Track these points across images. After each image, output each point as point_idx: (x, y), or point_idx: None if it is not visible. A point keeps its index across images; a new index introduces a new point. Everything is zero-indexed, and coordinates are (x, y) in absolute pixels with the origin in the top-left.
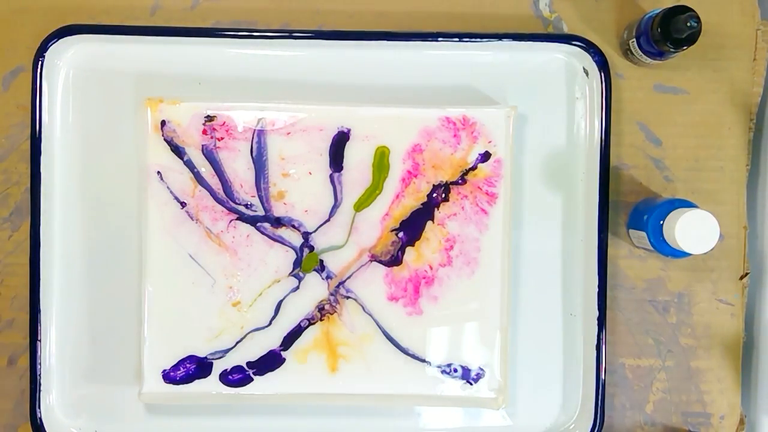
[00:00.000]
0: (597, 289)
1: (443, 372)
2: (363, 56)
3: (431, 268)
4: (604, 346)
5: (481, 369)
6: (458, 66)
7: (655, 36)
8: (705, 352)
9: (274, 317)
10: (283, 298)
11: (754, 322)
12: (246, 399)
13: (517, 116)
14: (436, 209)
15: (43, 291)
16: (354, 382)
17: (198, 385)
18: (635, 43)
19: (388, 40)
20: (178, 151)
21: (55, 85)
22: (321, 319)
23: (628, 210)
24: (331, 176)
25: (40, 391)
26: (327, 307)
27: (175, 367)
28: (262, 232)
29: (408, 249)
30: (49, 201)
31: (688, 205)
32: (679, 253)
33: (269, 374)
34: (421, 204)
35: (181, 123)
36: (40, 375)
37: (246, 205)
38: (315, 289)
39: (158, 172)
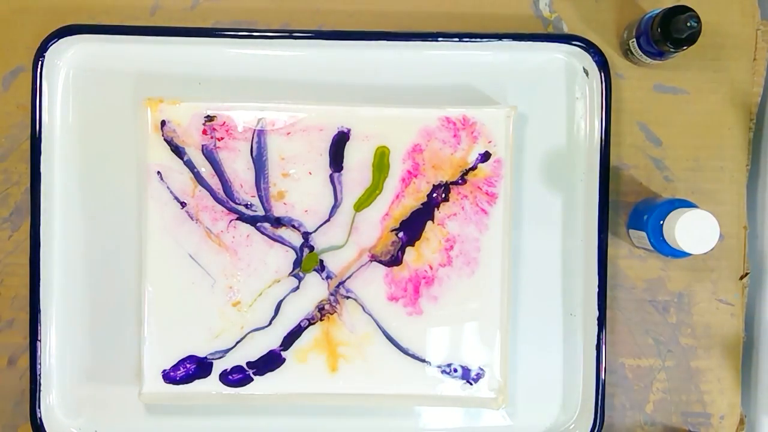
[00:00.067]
0: (597, 289)
1: (443, 372)
2: (363, 56)
3: (431, 268)
4: (604, 346)
5: (481, 369)
6: (458, 66)
7: (655, 36)
8: (705, 352)
9: (274, 317)
10: (283, 298)
11: (754, 322)
12: (246, 399)
13: (517, 116)
14: (436, 209)
15: (43, 291)
16: (354, 382)
17: (198, 385)
18: (635, 43)
19: (388, 40)
20: (178, 151)
21: (55, 85)
22: (321, 319)
23: (628, 210)
24: (331, 176)
25: (40, 391)
26: (327, 307)
27: (175, 367)
28: (262, 232)
29: (408, 249)
30: (49, 201)
31: (688, 205)
32: (679, 253)
33: (269, 374)
34: (421, 204)
35: (181, 123)
36: (40, 375)
37: (246, 205)
38: (315, 289)
39: (158, 172)
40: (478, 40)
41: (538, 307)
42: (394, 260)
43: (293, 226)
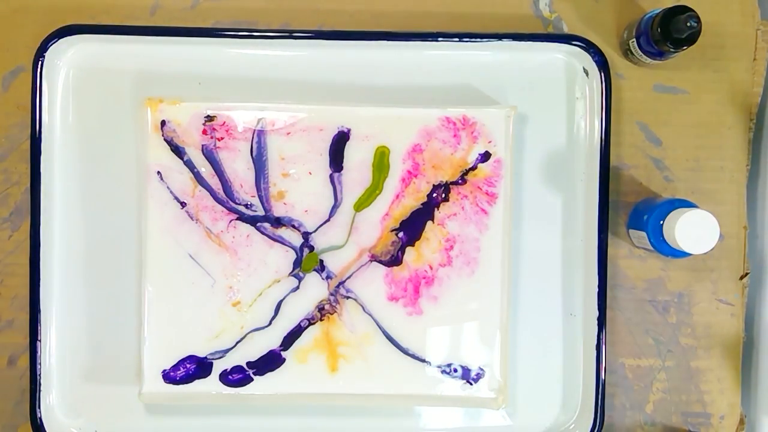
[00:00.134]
0: (597, 289)
1: (443, 372)
2: (363, 56)
3: (431, 268)
4: (604, 346)
5: (481, 369)
6: (458, 66)
7: (655, 36)
8: (705, 352)
9: (274, 317)
10: (283, 298)
11: (754, 322)
12: (246, 399)
13: (517, 116)
14: (436, 209)
15: (43, 291)
16: (354, 382)
17: (198, 385)
18: (635, 43)
19: (388, 40)
20: (178, 151)
21: (55, 85)
22: (321, 319)
23: (628, 210)
24: (331, 176)
25: (40, 391)
26: (327, 307)
27: (175, 367)
28: (262, 232)
29: (408, 249)
30: (49, 201)
31: (688, 205)
32: (679, 253)
33: (269, 374)
34: (421, 204)
35: (181, 123)
36: (40, 375)
37: (246, 205)
38: (315, 289)
39: (158, 172)
40: (478, 40)
41: (538, 307)
42: (394, 260)
43: (293, 226)
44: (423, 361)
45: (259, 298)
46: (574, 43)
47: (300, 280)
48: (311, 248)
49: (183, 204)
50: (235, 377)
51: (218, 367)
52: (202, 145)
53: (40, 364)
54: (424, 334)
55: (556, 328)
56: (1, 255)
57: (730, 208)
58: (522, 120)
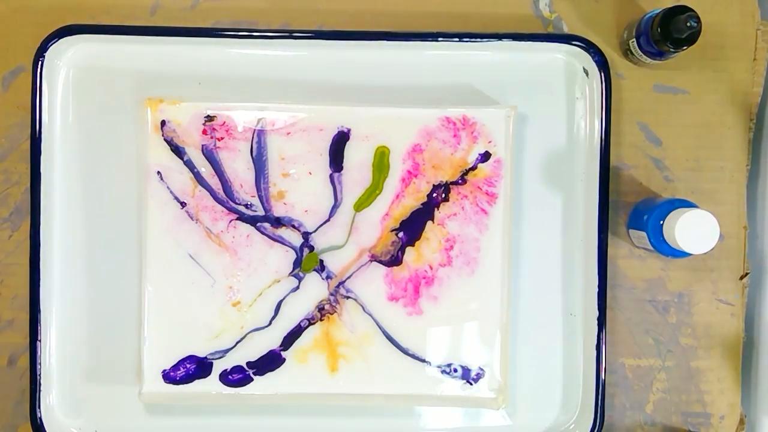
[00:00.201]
0: (597, 289)
1: (443, 372)
2: (363, 56)
3: (431, 268)
4: (604, 346)
5: (481, 369)
6: (458, 66)
7: (655, 36)
8: (705, 352)
9: (274, 317)
10: (283, 298)
11: (754, 322)
12: (246, 399)
13: (517, 116)
14: (436, 209)
15: (43, 291)
16: (354, 382)
17: (198, 385)
18: (635, 43)
19: (388, 40)
20: (178, 151)
21: (55, 85)
22: (321, 319)
23: (628, 210)
24: (331, 176)
25: (40, 391)
26: (327, 307)
27: (175, 367)
28: (262, 232)
29: (408, 249)
30: (49, 201)
31: (688, 205)
32: (679, 253)
33: (269, 374)
34: (421, 204)
35: (181, 123)
36: (40, 375)
37: (246, 205)
38: (315, 289)
39: (158, 172)
40: (478, 40)
41: (538, 307)
42: (394, 260)
43: (293, 226)
44: (423, 361)
45: (259, 298)
46: (574, 43)
47: (300, 280)
48: (311, 248)
49: (183, 204)
50: (235, 377)
51: (218, 367)
52: (202, 145)
53: (40, 364)
54: (424, 334)
55: (556, 328)
56: (1, 255)
57: (730, 208)
58: (522, 120)
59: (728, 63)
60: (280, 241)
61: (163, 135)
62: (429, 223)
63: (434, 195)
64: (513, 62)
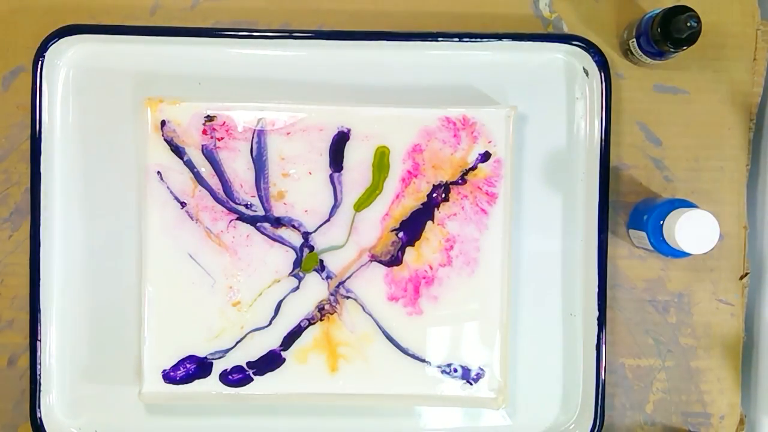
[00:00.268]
0: (597, 289)
1: (443, 372)
2: (363, 56)
3: (431, 268)
4: (604, 346)
5: (481, 369)
6: (458, 66)
7: (655, 36)
8: (705, 352)
9: (274, 317)
10: (283, 298)
11: (754, 322)
12: (246, 399)
13: (517, 116)
14: (436, 209)
15: (43, 291)
16: (354, 382)
17: (198, 385)
18: (635, 43)
19: (388, 40)
20: (178, 151)
21: (55, 85)
22: (321, 319)
23: (628, 210)
24: (331, 176)
25: (40, 391)
26: (327, 307)
27: (175, 367)
28: (262, 232)
29: (408, 249)
30: (49, 201)
31: (688, 205)
32: (679, 253)
33: (269, 374)
34: (421, 204)
35: (181, 123)
36: (40, 375)
37: (246, 205)
38: (315, 289)
39: (158, 172)
40: (478, 40)
41: (538, 307)
42: (394, 260)
43: (293, 226)
44: (423, 361)
45: (259, 298)
46: (574, 43)
47: (300, 280)
48: (311, 248)
49: (183, 204)
50: (235, 377)
51: (218, 367)
52: (202, 145)
53: (40, 364)
54: (424, 334)
55: (556, 328)
56: (1, 255)
57: (730, 208)
58: (522, 120)
59: (728, 63)
60: (280, 241)
61: (163, 135)
62: (429, 223)
63: (434, 195)
64: (513, 62)
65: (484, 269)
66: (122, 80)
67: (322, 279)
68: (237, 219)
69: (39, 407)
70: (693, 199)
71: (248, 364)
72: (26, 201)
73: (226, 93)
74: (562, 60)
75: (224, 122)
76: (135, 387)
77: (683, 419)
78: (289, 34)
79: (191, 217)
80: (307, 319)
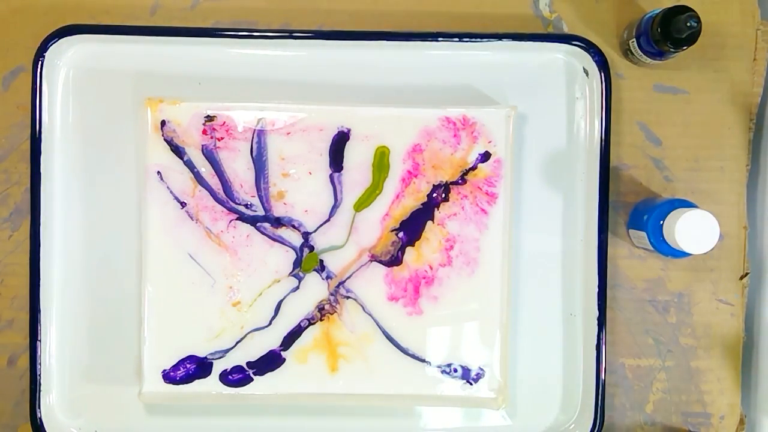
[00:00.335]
0: (597, 289)
1: (443, 372)
2: (363, 56)
3: (431, 268)
4: (604, 346)
5: (481, 369)
6: (458, 66)
7: (655, 36)
8: (705, 352)
9: (274, 317)
10: (283, 298)
11: (754, 322)
12: (246, 399)
13: (517, 116)
14: (436, 209)
15: (43, 291)
16: (354, 382)
17: (198, 385)
18: (635, 43)
19: (388, 40)
20: (178, 151)
21: (55, 85)
22: (321, 319)
23: (628, 210)
24: (331, 176)
25: (40, 391)
26: (327, 307)
27: (175, 367)
28: (262, 232)
29: (408, 249)
30: (49, 201)
31: (688, 205)
32: (679, 253)
33: (269, 374)
34: (421, 204)
35: (181, 123)
36: (40, 375)
37: (246, 205)
38: (315, 289)
39: (158, 172)
40: (478, 40)
41: (538, 307)
42: (394, 260)
43: (293, 226)
44: (423, 361)
45: (259, 298)
46: (574, 43)
47: (300, 280)
48: (311, 248)
49: (183, 204)
50: (235, 377)
51: (218, 367)
52: (202, 145)
53: (40, 364)
54: (424, 334)
55: (556, 328)
56: (1, 255)
57: (730, 208)
58: (522, 120)
59: (728, 63)
60: (280, 241)
61: (163, 135)
62: (429, 223)
63: (434, 195)
64: (513, 62)
65: (484, 269)
66: (122, 80)
67: (322, 279)
68: (237, 219)
69: (39, 407)
70: (693, 199)
71: (248, 364)
72: (26, 201)
73: (226, 93)
74: (562, 60)
75: (224, 122)
76: (135, 387)
77: (683, 419)
78: (289, 34)
79: (191, 217)
80: (307, 319)
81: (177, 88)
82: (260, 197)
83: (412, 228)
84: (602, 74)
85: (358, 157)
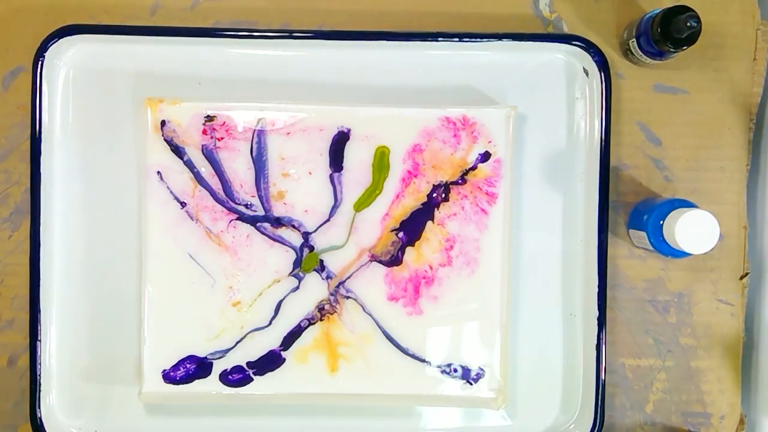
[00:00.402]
0: (597, 289)
1: (443, 372)
2: (363, 56)
3: (431, 268)
4: (604, 346)
5: (481, 369)
6: (458, 66)
7: (655, 36)
8: (705, 352)
9: (274, 317)
10: (283, 298)
11: (754, 322)
12: (246, 399)
13: (517, 116)
14: (436, 209)
15: (43, 291)
16: (354, 382)
17: (198, 385)
18: (635, 43)
19: (388, 40)
20: (178, 151)
21: (55, 85)
22: (321, 319)
23: (628, 210)
24: (331, 176)
25: (40, 391)
26: (327, 307)
27: (175, 367)
28: (262, 232)
29: (408, 249)
30: (49, 201)
31: (688, 205)
32: (679, 253)
33: (269, 374)
34: (421, 204)
35: (181, 123)
36: (40, 375)
37: (246, 205)
38: (315, 289)
39: (158, 172)
40: (478, 40)
41: (538, 307)
42: (394, 260)
43: (293, 226)
44: (423, 361)
45: (259, 298)
46: (574, 43)
47: (300, 280)
48: (311, 248)
49: (183, 204)
50: (235, 377)
51: (218, 367)
52: (202, 145)
53: (40, 364)
54: (424, 334)
55: (556, 328)
56: (1, 255)
57: (730, 208)
58: (522, 120)
59: (728, 63)
60: (280, 241)
61: (163, 135)
62: (429, 223)
63: (434, 195)
64: (513, 62)
65: (484, 269)
66: (122, 80)
67: (322, 279)
68: (237, 219)
69: (39, 407)
70: (693, 199)
71: (248, 364)
72: (26, 201)
73: (226, 93)
74: (562, 60)
75: (224, 122)
76: (135, 387)
77: (683, 419)
78: (289, 34)
79: (191, 217)
80: (307, 319)
81: (177, 88)
82: (260, 197)
83: (412, 228)
84: (602, 74)
85: (358, 157)
